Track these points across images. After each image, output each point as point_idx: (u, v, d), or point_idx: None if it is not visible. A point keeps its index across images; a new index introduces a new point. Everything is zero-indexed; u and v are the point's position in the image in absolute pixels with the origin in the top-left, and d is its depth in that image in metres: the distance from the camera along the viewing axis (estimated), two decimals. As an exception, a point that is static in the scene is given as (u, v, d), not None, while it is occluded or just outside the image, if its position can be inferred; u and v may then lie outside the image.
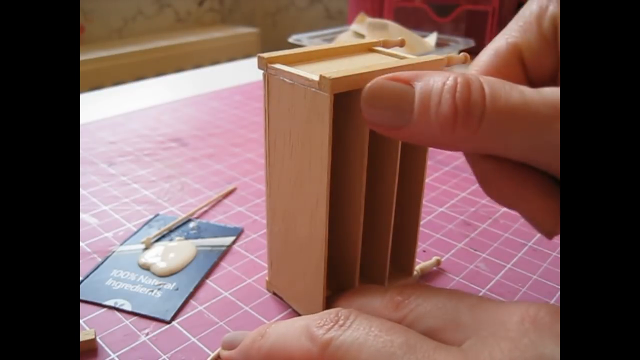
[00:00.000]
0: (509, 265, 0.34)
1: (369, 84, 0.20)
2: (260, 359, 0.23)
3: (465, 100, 0.18)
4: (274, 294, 0.31)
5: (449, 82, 0.18)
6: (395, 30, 0.68)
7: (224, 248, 0.35)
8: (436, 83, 0.19)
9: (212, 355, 0.26)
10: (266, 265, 0.32)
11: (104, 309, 0.30)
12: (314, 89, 0.23)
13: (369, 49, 0.29)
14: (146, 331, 0.28)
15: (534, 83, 0.22)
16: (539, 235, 0.37)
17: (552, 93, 0.18)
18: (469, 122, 0.18)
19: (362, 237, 0.27)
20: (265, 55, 0.26)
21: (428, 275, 0.33)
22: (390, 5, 0.88)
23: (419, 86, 0.19)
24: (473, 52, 0.26)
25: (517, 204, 0.20)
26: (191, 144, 0.53)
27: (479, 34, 0.81)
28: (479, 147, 0.19)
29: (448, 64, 0.26)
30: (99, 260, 0.34)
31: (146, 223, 0.38)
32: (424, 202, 0.30)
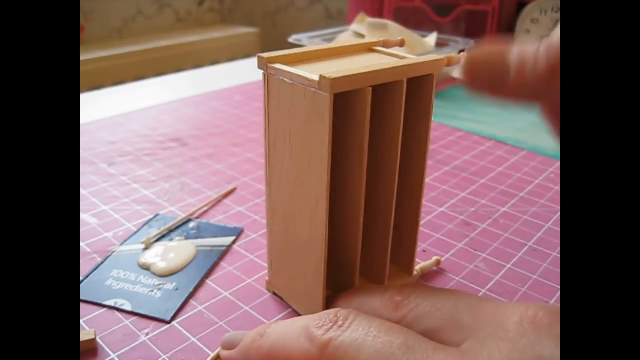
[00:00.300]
0: (509, 265, 0.34)
1: (468, 53, 0.22)
2: (260, 359, 0.23)
3: (558, 59, 0.20)
4: (274, 294, 0.31)
5: (542, 47, 0.20)
6: (395, 30, 0.68)
7: (224, 248, 0.36)
8: (530, 48, 0.21)
9: (212, 355, 0.26)
10: (266, 265, 0.32)
11: (104, 309, 0.30)
12: (314, 89, 0.23)
13: (369, 49, 0.29)
14: (146, 331, 0.28)
15: None
16: (539, 235, 0.37)
17: None
18: None
19: (362, 237, 0.27)
20: (265, 55, 0.26)
21: (428, 275, 0.33)
22: (390, 5, 0.88)
23: (515, 51, 0.21)
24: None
25: None
26: (191, 144, 0.53)
27: (479, 34, 0.81)
28: None
29: (448, 64, 0.26)
30: (99, 260, 0.34)
31: (146, 223, 0.38)
32: (424, 202, 0.30)
